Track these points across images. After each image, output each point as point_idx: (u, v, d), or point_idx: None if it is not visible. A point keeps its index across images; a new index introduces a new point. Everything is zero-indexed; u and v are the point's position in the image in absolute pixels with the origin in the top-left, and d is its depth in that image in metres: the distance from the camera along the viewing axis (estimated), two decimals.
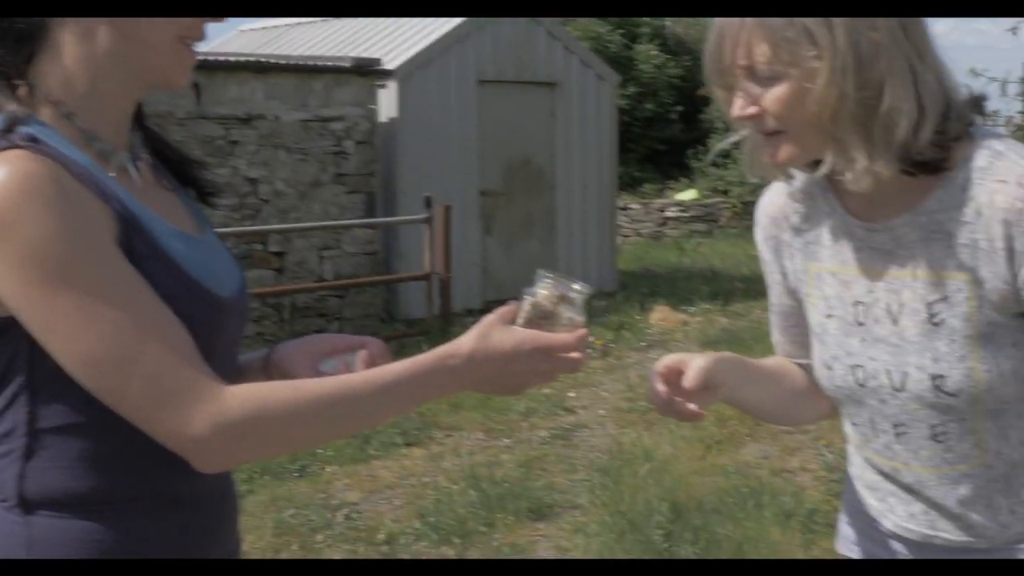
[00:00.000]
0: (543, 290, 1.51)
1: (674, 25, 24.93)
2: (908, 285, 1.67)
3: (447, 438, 7.06)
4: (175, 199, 1.58)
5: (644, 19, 22.58)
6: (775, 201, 1.87)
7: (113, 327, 1.32)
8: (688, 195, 19.75)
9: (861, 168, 1.58)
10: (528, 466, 6.37)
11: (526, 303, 1.51)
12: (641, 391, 8.18)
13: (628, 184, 20.46)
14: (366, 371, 1.47)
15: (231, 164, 9.67)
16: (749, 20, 1.56)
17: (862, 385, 1.73)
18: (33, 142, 1.34)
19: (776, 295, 1.94)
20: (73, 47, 1.41)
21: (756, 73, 1.58)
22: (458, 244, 10.96)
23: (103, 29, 1.42)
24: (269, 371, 1.67)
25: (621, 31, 21.51)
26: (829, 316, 1.77)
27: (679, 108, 21.47)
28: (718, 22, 1.61)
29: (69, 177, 1.33)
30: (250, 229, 9.51)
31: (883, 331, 1.70)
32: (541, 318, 1.49)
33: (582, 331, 1.50)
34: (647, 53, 21.20)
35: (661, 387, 1.66)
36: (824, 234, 1.78)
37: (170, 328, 1.36)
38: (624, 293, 12.67)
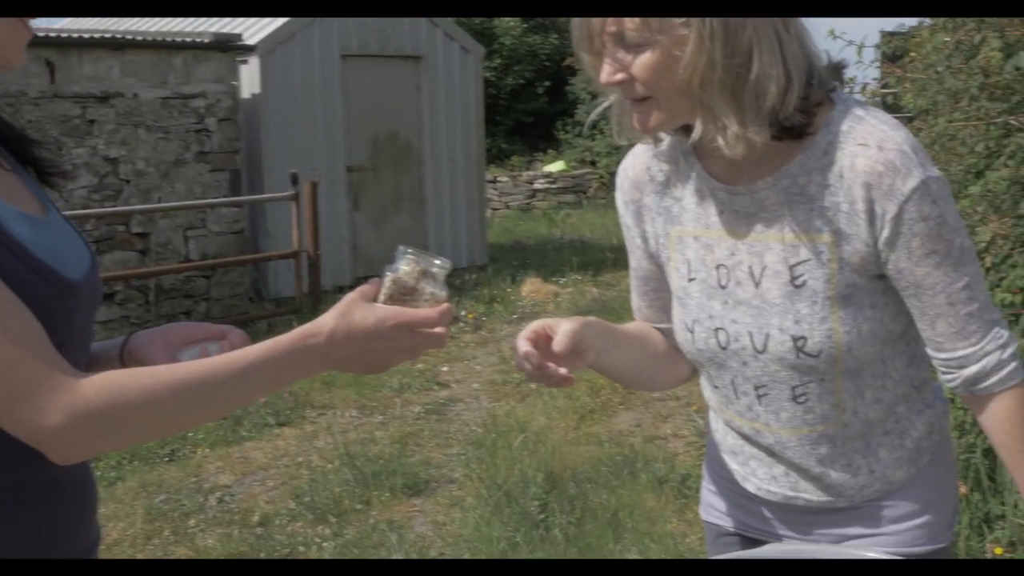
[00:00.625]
0: (404, 266, 1.49)
1: None
2: (770, 248, 1.69)
3: (320, 417, 7.01)
4: (16, 180, 1.51)
5: None
6: (636, 165, 1.87)
7: None
8: (556, 167, 19.88)
9: (733, 134, 1.59)
10: (403, 442, 6.36)
11: (387, 279, 1.49)
12: (514, 363, 8.22)
13: (496, 157, 20.49)
14: (227, 354, 1.43)
15: (89, 144, 9.39)
16: None
17: (724, 347, 1.75)
18: None
19: (636, 259, 1.93)
20: None
21: (624, 39, 1.57)
22: (326, 221, 10.85)
23: None
24: (125, 361, 1.63)
25: None
26: (691, 279, 1.79)
27: (545, 81, 21.53)
28: None
29: None
30: (111, 210, 9.26)
31: (745, 294, 1.72)
32: (403, 294, 1.48)
33: (445, 306, 1.48)
34: (507, 26, 21.19)
35: (530, 351, 1.65)
36: (687, 197, 1.79)
37: (19, 318, 1.31)
38: (495, 266, 12.71)
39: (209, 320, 9.76)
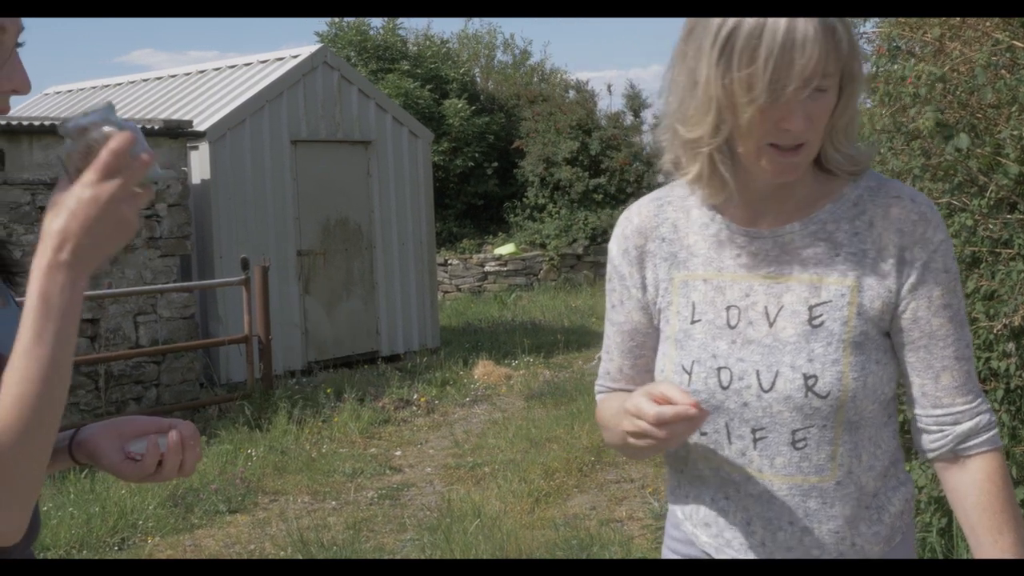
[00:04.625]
0: (67, 139, 1.40)
1: (484, 80, 25.27)
2: (791, 289, 1.75)
3: (272, 503, 6.93)
4: None
5: (453, 75, 22.80)
6: (643, 212, 1.91)
7: None
8: (506, 249, 19.98)
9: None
10: (356, 528, 6.29)
11: (62, 160, 1.40)
12: (467, 447, 8.18)
13: (447, 240, 20.55)
14: (14, 352, 1.33)
15: (39, 231, 9.31)
16: (822, 32, 1.56)
17: (725, 387, 1.76)
18: None
19: (626, 312, 1.93)
20: None
21: (817, 85, 1.60)
22: (277, 305, 10.82)
23: None
24: (74, 453, 1.63)
25: (430, 87, 21.67)
26: (695, 321, 1.81)
27: (494, 163, 21.71)
28: (785, 30, 1.56)
29: None
30: None
31: (757, 333, 1.76)
32: (87, 157, 1.37)
33: (118, 134, 1.36)
34: (456, 107, 21.38)
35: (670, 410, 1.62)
36: (697, 243, 1.83)
37: None
38: (447, 349, 12.70)
39: (160, 406, 9.68)
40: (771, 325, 1.75)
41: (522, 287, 19.08)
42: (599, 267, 19.58)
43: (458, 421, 9.19)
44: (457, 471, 7.56)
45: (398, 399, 9.86)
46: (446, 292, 18.97)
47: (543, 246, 20.03)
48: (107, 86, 15.10)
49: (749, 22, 1.58)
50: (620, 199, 20.06)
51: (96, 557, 5.85)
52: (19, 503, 1.29)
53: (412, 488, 7.25)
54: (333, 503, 6.91)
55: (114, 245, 1.37)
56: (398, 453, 8.17)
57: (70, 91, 15.74)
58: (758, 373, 1.74)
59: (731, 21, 1.59)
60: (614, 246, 1.94)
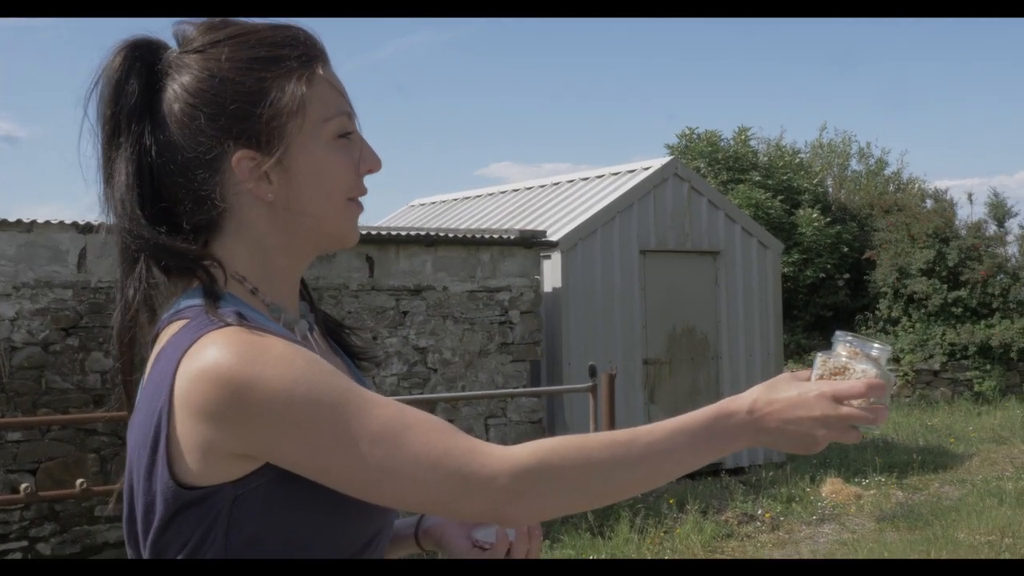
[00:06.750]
0: (840, 348, 1.44)
1: (836, 190, 24.81)
2: None
3: None
4: (341, 364, 1.58)
5: (805, 184, 22.53)
6: None
7: (373, 444, 1.29)
8: None
9: None
10: None
11: (818, 360, 1.44)
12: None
13: (794, 352, 20.13)
14: (650, 425, 1.43)
15: (401, 334, 9.90)
16: None
17: None
18: (240, 317, 1.35)
19: None
20: (247, 229, 1.44)
21: None
22: (623, 413, 10.90)
23: (266, 212, 1.43)
24: (420, 539, 1.65)
25: (781, 197, 21.48)
26: None
27: (845, 274, 21.17)
28: None
29: (279, 338, 1.35)
30: (419, 397, 9.62)
31: None
32: (833, 374, 1.41)
33: (874, 380, 1.39)
34: (808, 217, 21.04)
35: None
36: None
37: (420, 415, 1.34)
38: (793, 464, 12.35)
39: None
40: None
41: None
42: (957, 384, 18.58)
43: (804, 540, 8.89)
44: None
45: (742, 513, 9.67)
46: None
47: (896, 360, 19.24)
48: (467, 198, 15.91)
49: None
50: (982, 314, 18.98)
51: None
52: (565, 509, 1.37)
53: None
54: None
55: (788, 447, 1.42)
56: None
57: (433, 203, 16.70)
58: None
59: None
60: None
